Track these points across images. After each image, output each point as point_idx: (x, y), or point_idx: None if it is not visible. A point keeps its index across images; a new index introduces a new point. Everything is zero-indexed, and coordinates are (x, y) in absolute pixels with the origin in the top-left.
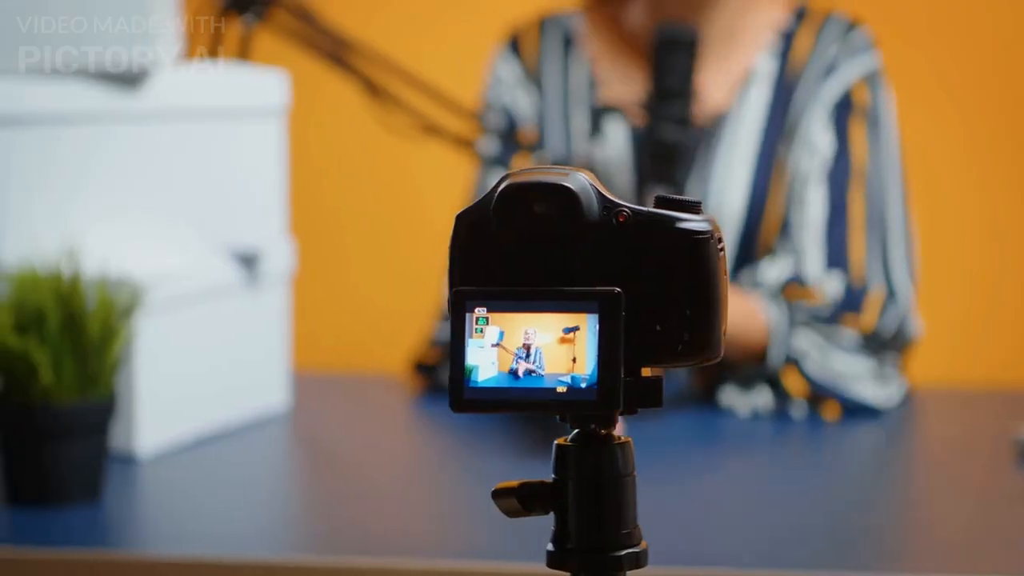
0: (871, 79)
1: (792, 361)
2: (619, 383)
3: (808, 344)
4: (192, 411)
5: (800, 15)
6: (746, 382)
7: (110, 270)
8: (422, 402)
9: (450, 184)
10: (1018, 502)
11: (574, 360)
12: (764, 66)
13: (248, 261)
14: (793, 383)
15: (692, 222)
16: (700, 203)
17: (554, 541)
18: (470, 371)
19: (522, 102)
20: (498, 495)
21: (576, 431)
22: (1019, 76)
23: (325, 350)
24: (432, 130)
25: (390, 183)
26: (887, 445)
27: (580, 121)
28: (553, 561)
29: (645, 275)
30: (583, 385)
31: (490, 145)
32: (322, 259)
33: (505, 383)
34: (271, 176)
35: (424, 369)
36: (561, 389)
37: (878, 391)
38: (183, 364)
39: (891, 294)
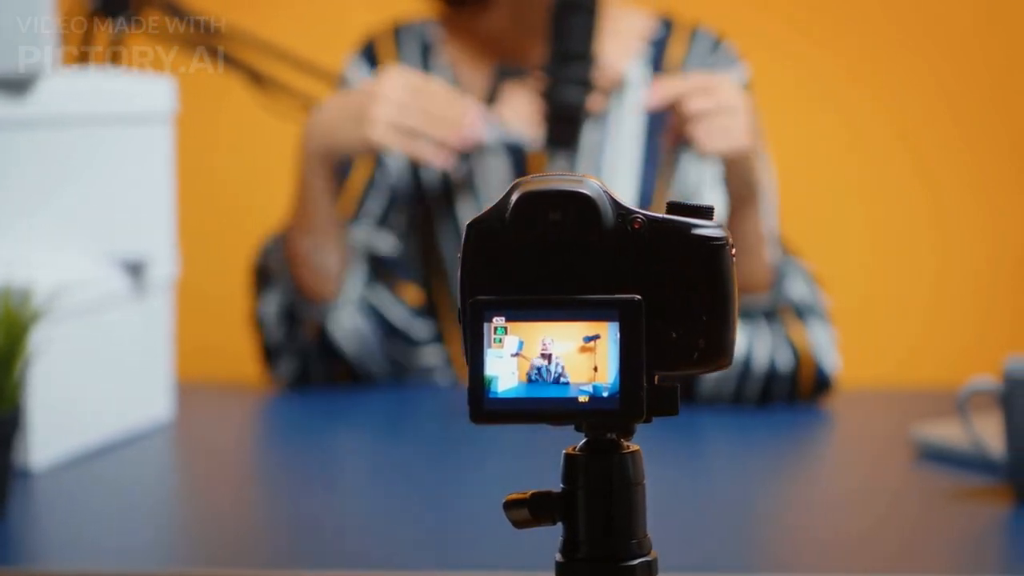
0: (746, 91)
1: (791, 305)
2: (642, 392)
3: (799, 299)
4: (81, 422)
5: (667, 25)
6: (744, 312)
7: (13, 281)
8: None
9: None
10: (915, 499)
11: (595, 369)
12: (636, 72)
13: (134, 269)
14: (791, 328)
15: (707, 228)
16: (713, 208)
17: (563, 551)
18: (489, 381)
19: None
20: (509, 506)
21: (585, 440)
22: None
23: (207, 359)
24: (313, 108)
25: (275, 191)
26: (807, 444)
27: None
28: (563, 572)
29: (661, 282)
30: (605, 394)
31: None
32: (205, 267)
33: (526, 393)
34: (158, 182)
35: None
36: (583, 399)
37: (837, 363)
38: (72, 375)
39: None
